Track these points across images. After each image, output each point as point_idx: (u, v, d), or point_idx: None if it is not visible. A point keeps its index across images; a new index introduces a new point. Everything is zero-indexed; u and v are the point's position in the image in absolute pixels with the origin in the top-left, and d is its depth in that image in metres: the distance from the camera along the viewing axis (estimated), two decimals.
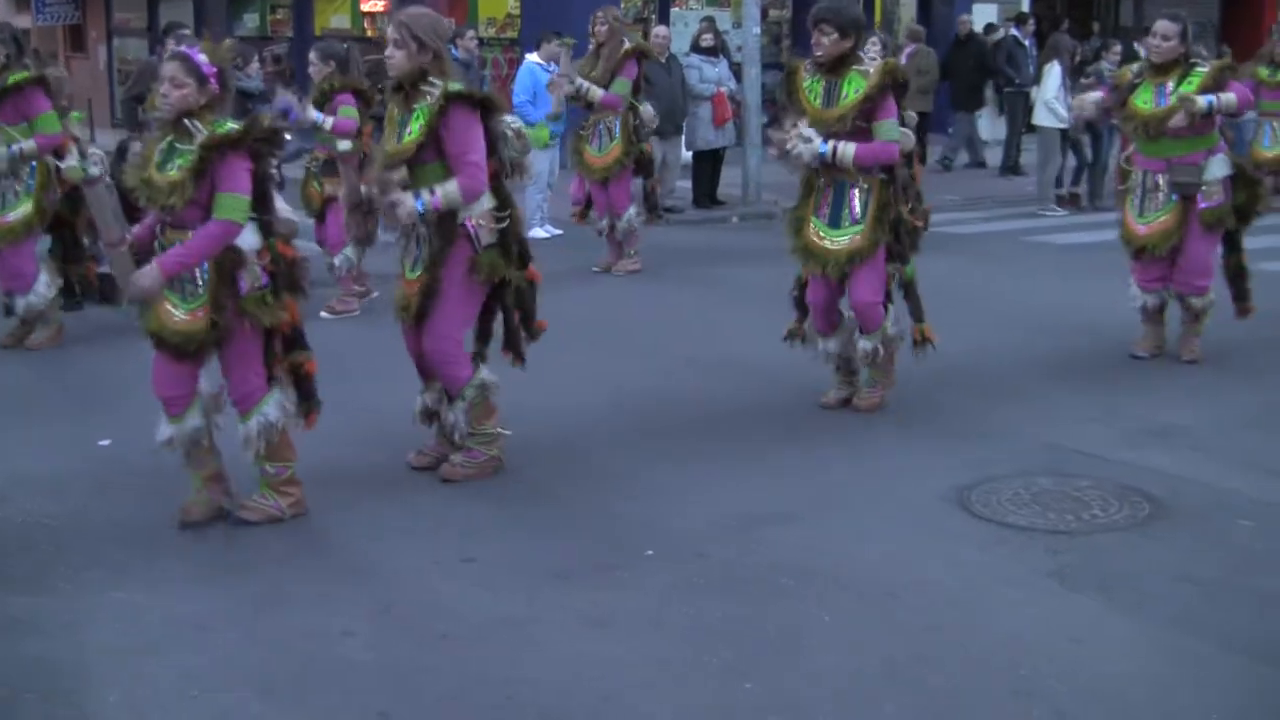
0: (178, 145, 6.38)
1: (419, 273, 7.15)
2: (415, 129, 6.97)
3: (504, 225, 7.20)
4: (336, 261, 11.51)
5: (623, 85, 13.23)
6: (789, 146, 8.16)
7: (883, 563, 6.30)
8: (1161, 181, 9.54)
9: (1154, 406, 8.74)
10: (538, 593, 6.00)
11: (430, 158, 7.00)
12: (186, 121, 6.36)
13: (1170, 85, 9.38)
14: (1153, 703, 5.03)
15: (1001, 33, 22.45)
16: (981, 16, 25.33)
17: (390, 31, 7.00)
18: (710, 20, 19.19)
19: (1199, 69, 9.40)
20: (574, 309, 10.70)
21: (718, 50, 18.40)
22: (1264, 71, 15.23)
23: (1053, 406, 8.77)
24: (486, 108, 7.08)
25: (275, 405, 6.68)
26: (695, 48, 18.27)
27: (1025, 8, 26.18)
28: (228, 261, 6.39)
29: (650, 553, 6.41)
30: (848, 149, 8.07)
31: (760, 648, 5.45)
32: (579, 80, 13.13)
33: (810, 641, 5.51)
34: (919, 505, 7.04)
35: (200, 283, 6.43)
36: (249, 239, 6.45)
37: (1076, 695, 5.06)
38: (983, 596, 5.94)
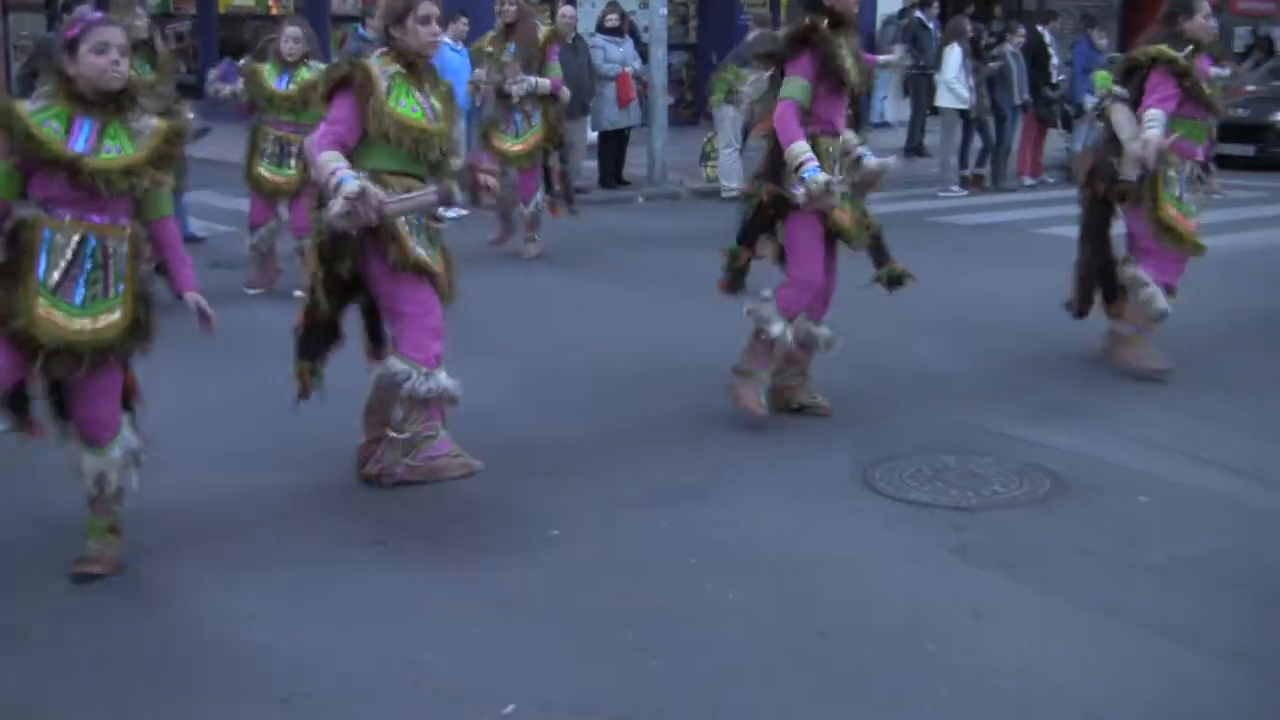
0: (116, 124, 5.60)
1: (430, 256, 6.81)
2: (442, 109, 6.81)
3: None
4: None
5: (556, 69, 13.33)
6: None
7: (786, 540, 6.34)
8: (1191, 171, 8.95)
9: (1054, 385, 8.84)
10: (443, 573, 5.99)
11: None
12: (140, 99, 5.75)
13: (1206, 62, 8.94)
14: (1054, 675, 5.09)
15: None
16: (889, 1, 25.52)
17: (434, 9, 6.61)
18: (614, 4, 19.24)
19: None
20: (480, 289, 10.68)
21: (623, 30, 18.44)
22: None
23: (954, 385, 8.85)
24: None
25: (129, 429, 5.94)
26: (600, 28, 18.31)
27: None
28: (140, 258, 5.81)
29: (555, 533, 6.42)
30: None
31: (665, 626, 5.46)
32: (529, 79, 13.05)
33: (715, 620, 5.53)
34: (822, 483, 7.08)
35: (113, 282, 5.69)
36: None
37: (981, 669, 5.11)
38: (887, 573, 5.99)
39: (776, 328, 7.82)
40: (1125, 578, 5.92)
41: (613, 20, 18.40)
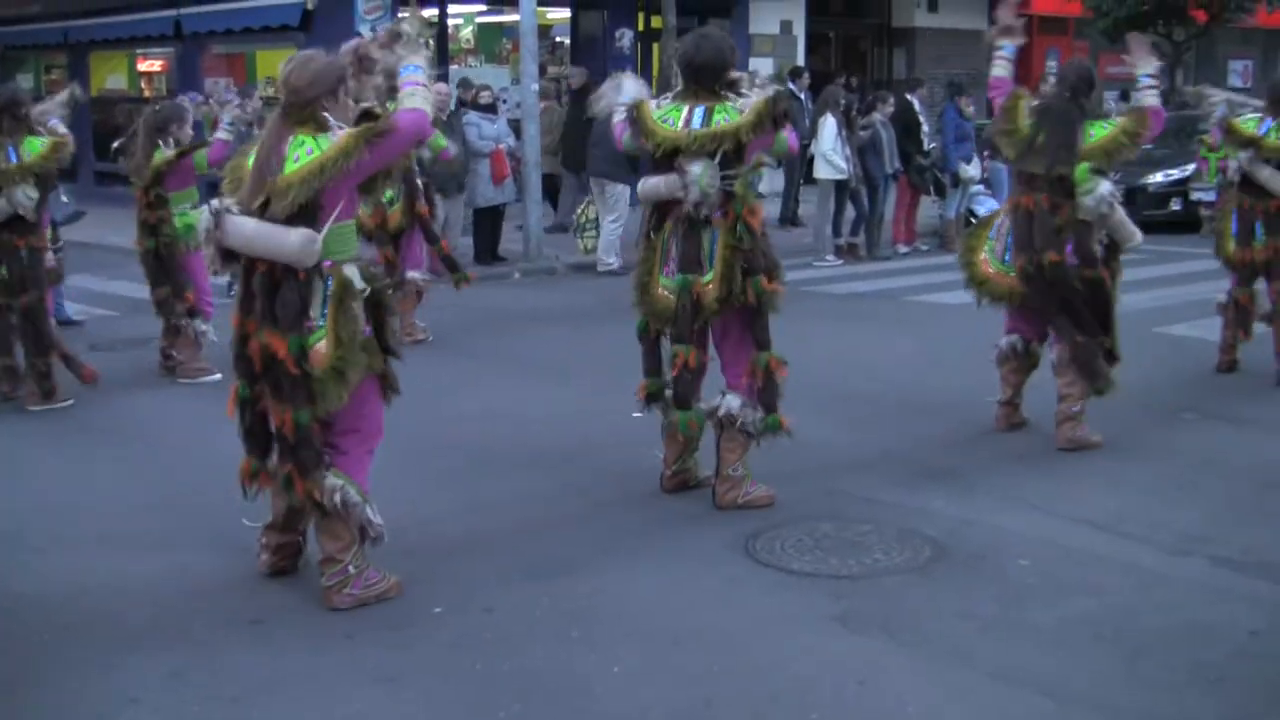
0: None
1: None
2: None
3: None
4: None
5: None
6: None
7: (669, 611, 6.34)
8: None
9: (931, 450, 8.93)
10: (326, 651, 5.93)
11: None
12: None
13: None
14: None
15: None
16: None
17: None
18: (468, 83, 19.33)
19: None
20: None
21: (496, 107, 18.52)
22: None
23: (832, 453, 8.89)
24: None
25: None
26: (474, 105, 18.36)
27: (801, 62, 26.67)
28: None
29: (439, 610, 6.38)
30: None
31: (549, 699, 5.45)
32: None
33: (599, 691, 5.52)
34: (704, 553, 7.09)
35: None
36: None
37: None
38: (769, 642, 6.01)
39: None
40: (1008, 640, 5.97)
41: (486, 97, 18.49)
